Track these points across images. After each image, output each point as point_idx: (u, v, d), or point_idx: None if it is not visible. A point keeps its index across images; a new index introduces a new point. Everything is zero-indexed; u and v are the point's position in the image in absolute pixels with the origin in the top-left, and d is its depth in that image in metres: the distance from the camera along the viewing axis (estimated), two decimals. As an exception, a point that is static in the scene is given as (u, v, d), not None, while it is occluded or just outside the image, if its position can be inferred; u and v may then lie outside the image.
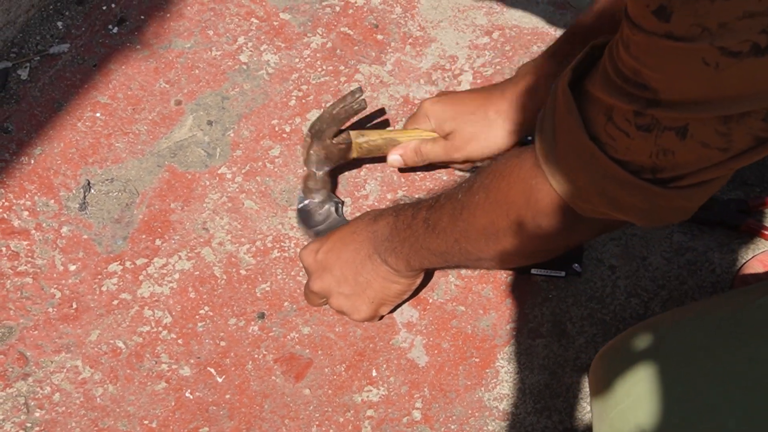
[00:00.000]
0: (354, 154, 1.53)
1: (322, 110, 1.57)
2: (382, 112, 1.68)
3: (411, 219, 1.30)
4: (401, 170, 1.60)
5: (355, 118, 1.55)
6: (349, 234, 1.38)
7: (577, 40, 1.41)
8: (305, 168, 1.54)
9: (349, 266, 1.38)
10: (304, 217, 1.55)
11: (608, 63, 0.94)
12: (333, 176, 1.58)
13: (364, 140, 1.52)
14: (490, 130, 1.46)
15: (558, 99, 1.03)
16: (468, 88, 1.69)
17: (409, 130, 1.52)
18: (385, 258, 1.35)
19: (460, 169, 1.58)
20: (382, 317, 1.46)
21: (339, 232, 1.40)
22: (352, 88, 1.52)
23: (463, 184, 1.24)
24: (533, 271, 1.50)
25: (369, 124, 1.66)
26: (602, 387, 1.14)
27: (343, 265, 1.38)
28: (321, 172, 1.52)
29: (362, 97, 1.48)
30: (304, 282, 1.50)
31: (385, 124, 1.67)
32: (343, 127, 1.51)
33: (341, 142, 1.51)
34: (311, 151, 1.51)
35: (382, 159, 1.55)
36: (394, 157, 1.53)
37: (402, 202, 1.38)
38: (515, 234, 1.15)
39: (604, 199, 1.01)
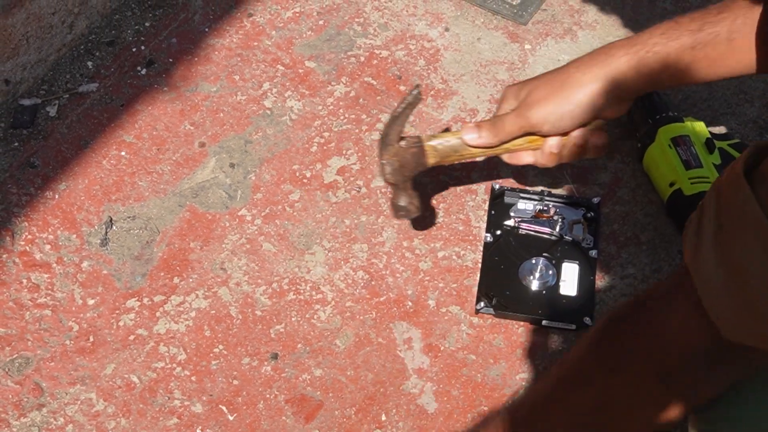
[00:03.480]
0: (431, 160, 1.47)
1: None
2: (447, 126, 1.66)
3: None
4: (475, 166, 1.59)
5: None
6: None
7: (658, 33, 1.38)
8: (387, 185, 1.47)
9: None
10: None
11: None
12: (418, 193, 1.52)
13: (437, 142, 1.46)
14: (567, 94, 1.40)
15: (731, 193, 0.92)
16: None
17: None
18: None
19: (544, 160, 1.47)
20: None
21: None
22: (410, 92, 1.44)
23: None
24: (544, 322, 1.52)
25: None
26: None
27: None
28: (401, 183, 1.46)
29: (417, 91, 1.43)
30: (318, 325, 1.52)
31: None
32: (405, 133, 1.47)
33: (411, 146, 1.45)
34: (383, 161, 1.46)
35: (464, 166, 1.55)
36: (470, 136, 1.44)
37: None
38: None
39: None
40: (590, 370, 1.11)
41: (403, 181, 1.49)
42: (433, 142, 1.47)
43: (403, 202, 1.51)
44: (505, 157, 1.49)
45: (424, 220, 1.63)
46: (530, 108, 1.42)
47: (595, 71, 1.39)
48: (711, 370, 1.04)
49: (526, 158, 1.49)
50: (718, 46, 1.33)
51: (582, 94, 1.40)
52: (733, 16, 1.33)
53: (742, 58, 1.33)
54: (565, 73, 1.42)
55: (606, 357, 1.10)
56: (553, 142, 1.45)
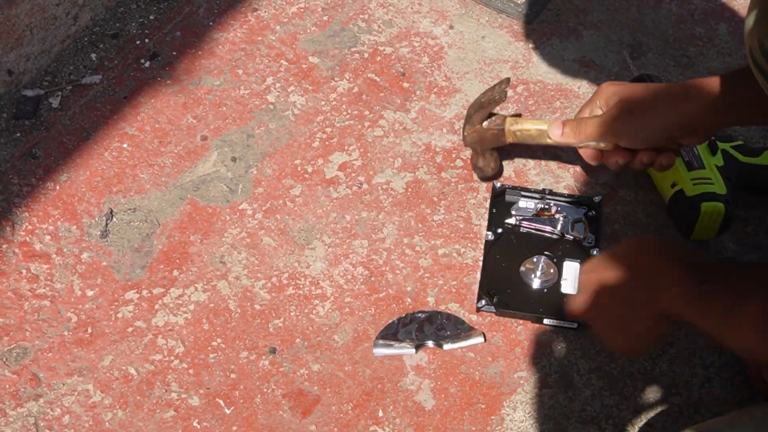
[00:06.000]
0: (509, 140, 1.59)
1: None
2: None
3: None
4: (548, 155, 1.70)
5: (500, 109, 1.65)
6: None
7: None
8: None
9: None
10: None
11: None
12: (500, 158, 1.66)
13: (517, 128, 1.57)
14: (653, 115, 1.44)
15: None
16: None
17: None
18: None
19: (609, 165, 1.53)
20: None
21: None
22: (500, 80, 1.61)
23: None
24: (546, 321, 1.52)
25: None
26: None
27: None
28: (479, 150, 1.62)
29: (504, 88, 1.58)
30: (317, 320, 1.52)
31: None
32: (494, 111, 1.60)
33: (493, 128, 1.59)
34: (465, 133, 1.62)
35: (540, 147, 1.68)
36: (555, 131, 1.53)
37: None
38: None
39: None
40: None
41: (481, 150, 1.63)
42: (515, 127, 1.58)
43: (480, 163, 1.64)
44: (580, 149, 1.55)
45: (425, 217, 1.63)
46: (614, 119, 1.46)
47: (683, 105, 1.42)
48: None
49: (594, 158, 1.53)
50: None
51: (666, 122, 1.43)
52: None
53: None
54: (657, 95, 1.45)
55: None
56: (622, 153, 1.50)
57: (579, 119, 1.51)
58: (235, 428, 1.43)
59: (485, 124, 1.59)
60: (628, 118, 1.45)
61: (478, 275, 1.57)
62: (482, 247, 1.60)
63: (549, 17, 1.90)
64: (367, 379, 1.48)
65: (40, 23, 1.73)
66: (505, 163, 1.69)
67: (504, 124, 1.58)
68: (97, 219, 1.61)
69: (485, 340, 1.51)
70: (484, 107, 1.59)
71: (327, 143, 1.71)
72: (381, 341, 1.50)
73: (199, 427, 1.43)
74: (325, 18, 1.88)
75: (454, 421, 1.44)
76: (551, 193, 1.64)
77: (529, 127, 1.57)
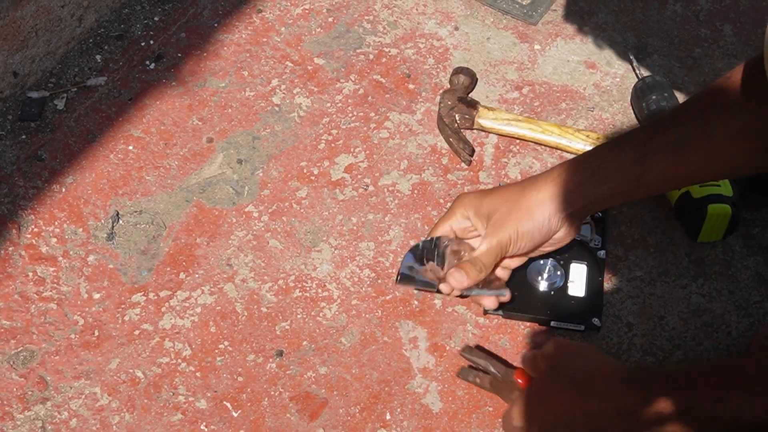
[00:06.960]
0: (474, 126, 1.73)
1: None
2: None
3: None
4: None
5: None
6: None
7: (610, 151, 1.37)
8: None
9: None
10: None
11: None
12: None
13: (488, 125, 1.72)
14: (531, 209, 1.38)
15: None
16: (495, 140, 1.72)
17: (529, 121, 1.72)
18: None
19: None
20: None
21: None
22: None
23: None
24: (553, 323, 1.52)
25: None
26: None
27: None
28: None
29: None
30: (324, 323, 1.52)
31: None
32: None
33: (465, 117, 1.72)
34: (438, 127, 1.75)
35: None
36: (458, 279, 1.42)
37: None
38: None
39: None
40: None
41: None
42: (484, 123, 1.72)
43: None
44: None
45: (431, 219, 1.63)
46: (501, 228, 1.40)
47: (548, 190, 1.38)
48: None
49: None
50: (666, 155, 1.33)
51: (539, 212, 1.38)
52: (690, 118, 1.32)
53: (697, 160, 1.33)
54: (520, 190, 1.40)
55: None
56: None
57: (472, 260, 1.42)
58: (242, 431, 1.43)
59: (457, 119, 1.72)
60: (516, 218, 1.39)
61: (485, 277, 1.57)
62: (489, 249, 1.60)
63: (554, 18, 1.90)
64: (375, 382, 1.48)
65: (45, 25, 1.73)
66: (510, 164, 1.69)
67: (472, 116, 1.72)
68: (103, 221, 1.61)
69: (510, 297, 1.48)
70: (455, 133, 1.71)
71: (333, 145, 1.71)
72: (403, 273, 1.46)
73: (206, 430, 1.43)
74: (330, 19, 1.88)
75: (462, 424, 1.44)
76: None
77: (496, 128, 1.72)
